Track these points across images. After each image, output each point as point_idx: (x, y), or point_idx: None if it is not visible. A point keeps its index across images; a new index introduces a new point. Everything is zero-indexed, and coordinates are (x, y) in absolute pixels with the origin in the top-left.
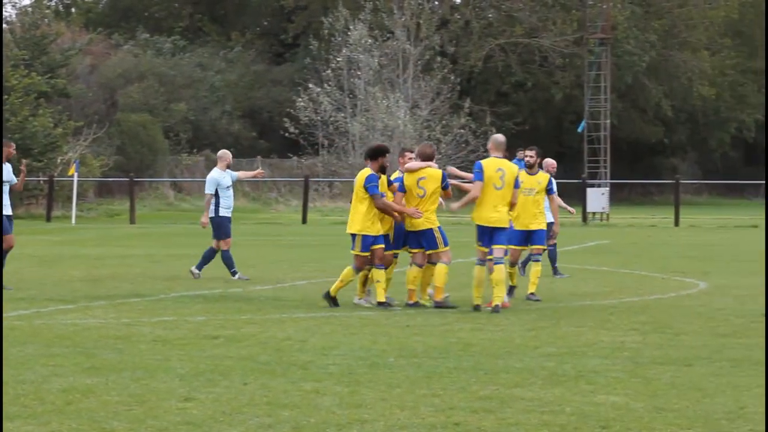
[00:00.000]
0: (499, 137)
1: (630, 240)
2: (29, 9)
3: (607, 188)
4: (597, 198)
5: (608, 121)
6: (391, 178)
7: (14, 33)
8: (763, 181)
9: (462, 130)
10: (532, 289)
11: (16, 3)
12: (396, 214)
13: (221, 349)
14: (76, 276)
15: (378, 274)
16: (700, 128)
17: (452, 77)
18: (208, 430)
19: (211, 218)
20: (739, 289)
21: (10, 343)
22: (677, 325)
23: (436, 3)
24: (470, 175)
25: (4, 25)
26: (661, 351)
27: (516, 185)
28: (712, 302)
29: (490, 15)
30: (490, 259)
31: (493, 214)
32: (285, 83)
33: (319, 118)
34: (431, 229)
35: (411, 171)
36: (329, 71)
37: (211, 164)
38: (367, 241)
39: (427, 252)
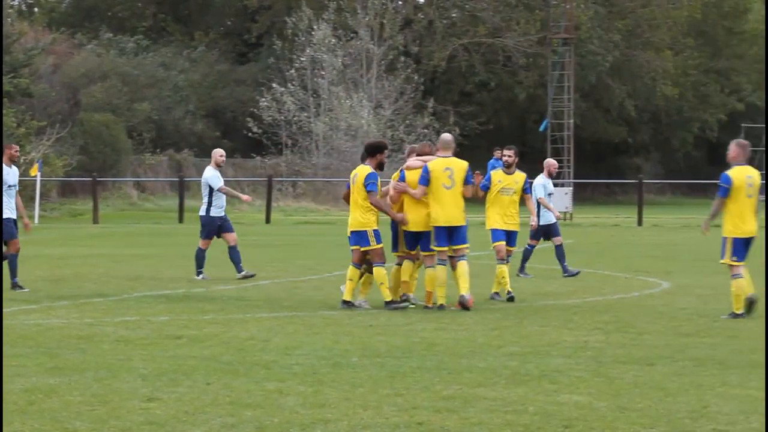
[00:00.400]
0: (446, 136)
1: (593, 239)
2: None
3: (571, 188)
4: (560, 198)
5: (572, 121)
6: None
7: None
8: None
9: (425, 130)
10: (496, 288)
11: None
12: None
13: (184, 349)
14: (39, 276)
15: (353, 273)
16: (663, 128)
17: (416, 77)
18: (171, 430)
19: (201, 216)
20: (701, 288)
21: None
22: (640, 325)
23: (400, 3)
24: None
25: None
26: (624, 350)
27: (467, 181)
28: (674, 302)
29: (453, 15)
30: (453, 257)
31: (448, 212)
32: (248, 83)
33: (282, 117)
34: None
35: (411, 169)
36: (293, 71)
37: (174, 164)
38: (378, 233)
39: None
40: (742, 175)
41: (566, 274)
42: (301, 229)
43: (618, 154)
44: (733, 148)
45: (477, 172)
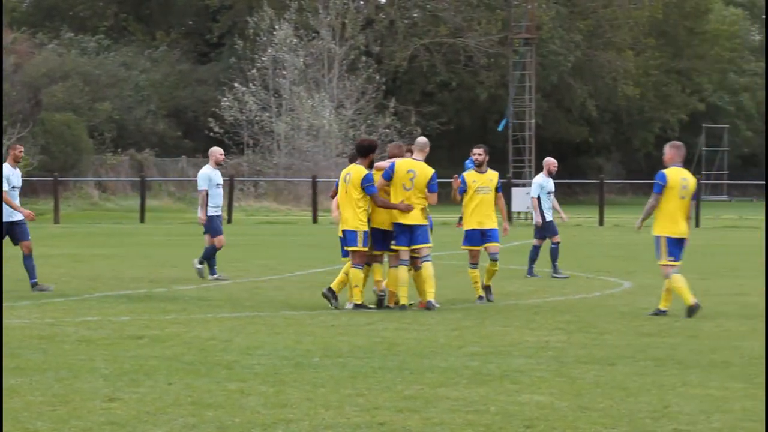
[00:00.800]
0: (421, 140)
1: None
2: None
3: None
4: (522, 198)
5: (533, 121)
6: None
7: None
8: None
9: (387, 130)
10: (487, 282)
11: None
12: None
13: (146, 349)
14: None
15: (355, 275)
16: (625, 128)
17: (377, 77)
18: (132, 430)
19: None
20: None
21: None
22: (601, 325)
23: (361, 3)
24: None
25: None
26: (585, 350)
27: (430, 188)
28: (636, 302)
29: (415, 15)
30: (415, 258)
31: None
32: (210, 83)
33: (244, 117)
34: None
35: (379, 169)
36: (254, 71)
37: (136, 164)
38: (366, 236)
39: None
40: (678, 176)
41: (555, 275)
42: (263, 229)
43: (579, 154)
44: (668, 150)
45: (456, 176)
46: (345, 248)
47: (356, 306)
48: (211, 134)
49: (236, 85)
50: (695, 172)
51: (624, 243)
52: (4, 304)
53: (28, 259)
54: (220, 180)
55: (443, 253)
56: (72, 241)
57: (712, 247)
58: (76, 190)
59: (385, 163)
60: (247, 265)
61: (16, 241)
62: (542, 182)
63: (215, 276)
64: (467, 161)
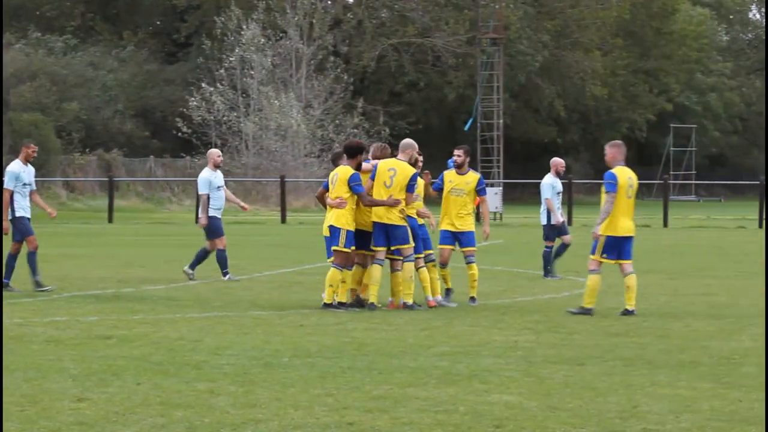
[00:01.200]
0: (405, 141)
1: (523, 239)
2: None
3: (500, 188)
4: (490, 198)
5: (501, 121)
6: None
7: None
8: (656, 181)
9: (355, 130)
10: (472, 293)
11: None
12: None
13: (114, 349)
14: None
15: (344, 275)
16: (593, 128)
17: (345, 77)
18: (101, 430)
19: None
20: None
21: None
22: (570, 325)
23: (329, 2)
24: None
25: None
26: (554, 350)
27: (409, 189)
28: (604, 301)
29: (382, 15)
30: (394, 260)
31: (382, 210)
32: (178, 83)
33: (212, 117)
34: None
35: (364, 172)
36: (222, 71)
37: (104, 164)
38: (350, 236)
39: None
40: (625, 176)
41: (547, 276)
42: (231, 229)
43: (547, 153)
44: (608, 150)
45: (426, 171)
46: (333, 249)
47: (325, 305)
48: (179, 134)
49: (204, 85)
50: (663, 173)
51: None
52: None
53: (32, 254)
54: (221, 182)
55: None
56: (40, 241)
57: (680, 247)
58: (43, 190)
59: (370, 165)
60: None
61: (20, 237)
62: (552, 182)
63: (228, 277)
64: (450, 161)
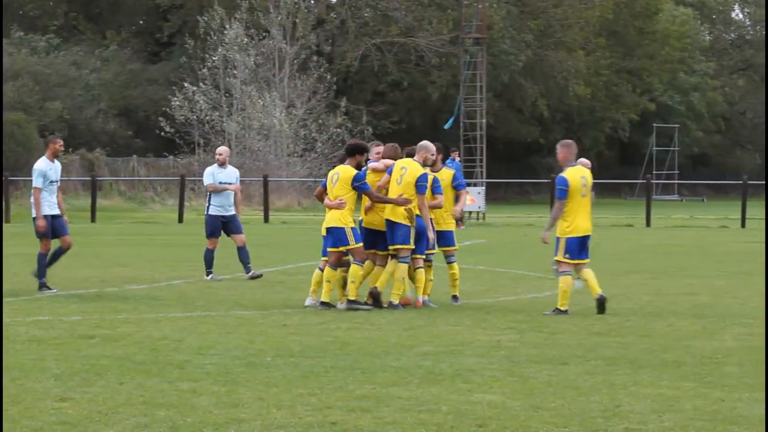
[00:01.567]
0: (420, 143)
1: (506, 239)
2: None
3: (483, 187)
4: (473, 197)
5: (484, 121)
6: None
7: None
8: (638, 180)
9: (338, 130)
10: (454, 292)
11: None
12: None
13: (97, 348)
14: None
15: (330, 274)
16: (576, 128)
17: (328, 76)
18: (83, 430)
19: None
20: (614, 288)
21: None
22: (553, 324)
23: (312, 2)
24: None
25: None
26: (537, 350)
27: (419, 189)
28: (587, 301)
29: (366, 14)
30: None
31: (390, 209)
32: (161, 82)
33: (194, 117)
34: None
35: (375, 171)
36: (205, 70)
37: (87, 163)
38: (356, 232)
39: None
40: (577, 176)
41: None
42: None
43: (530, 153)
44: (560, 150)
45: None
46: (328, 249)
47: (350, 302)
48: (162, 134)
49: (187, 84)
50: (646, 172)
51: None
52: None
53: (42, 256)
54: (223, 179)
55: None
56: (22, 240)
57: (663, 247)
58: (26, 190)
59: (380, 164)
60: (199, 264)
61: (54, 235)
62: None
63: (210, 277)
64: (447, 161)
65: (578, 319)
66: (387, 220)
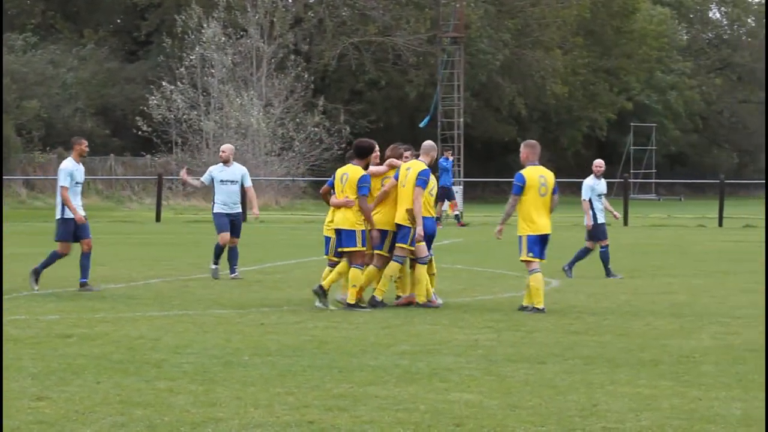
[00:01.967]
0: (426, 143)
1: (483, 238)
2: None
3: (461, 186)
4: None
5: (462, 120)
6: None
7: None
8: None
9: (316, 129)
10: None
11: None
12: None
13: (74, 347)
14: None
15: (355, 275)
16: (553, 127)
17: (306, 75)
18: (61, 429)
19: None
20: (591, 286)
21: None
22: (530, 323)
23: (290, 1)
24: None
25: None
26: (514, 348)
27: (416, 183)
28: (564, 300)
29: (343, 13)
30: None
31: (396, 211)
32: (138, 81)
33: (172, 116)
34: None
35: (375, 175)
36: (182, 69)
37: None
38: (364, 236)
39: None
40: (535, 175)
41: (567, 272)
42: (192, 228)
43: (508, 152)
44: (523, 150)
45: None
46: (339, 249)
47: (349, 305)
48: (140, 133)
49: (164, 83)
50: (623, 171)
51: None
52: None
53: (85, 257)
54: (225, 177)
55: None
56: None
57: (641, 246)
58: (3, 189)
59: (382, 168)
60: (176, 263)
61: (76, 239)
62: (592, 184)
63: (215, 271)
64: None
65: (555, 318)
66: (396, 224)
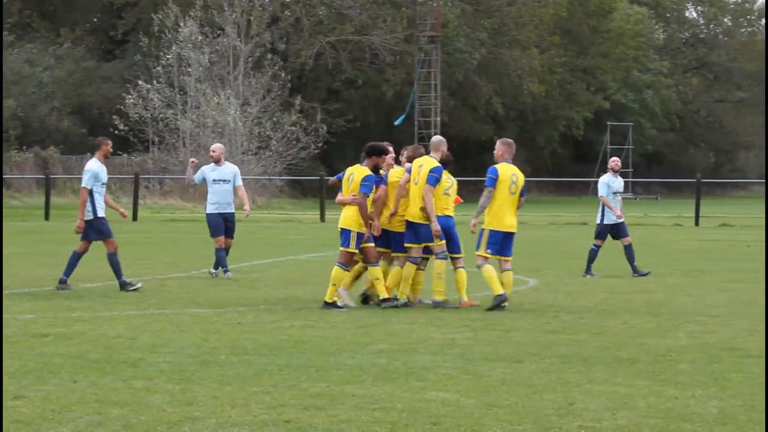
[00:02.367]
0: (434, 138)
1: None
2: None
3: None
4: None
5: (438, 119)
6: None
7: None
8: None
9: (293, 128)
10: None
11: None
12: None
13: (51, 346)
14: None
15: (375, 272)
16: (530, 126)
17: (283, 74)
18: (37, 428)
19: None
20: (568, 285)
21: None
22: (507, 322)
23: (267, 0)
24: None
25: None
26: (491, 347)
27: (427, 179)
28: (541, 299)
29: (320, 12)
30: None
31: (408, 208)
32: (115, 80)
33: (149, 115)
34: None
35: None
36: (159, 68)
37: (40, 161)
38: (362, 239)
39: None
40: (508, 172)
41: (636, 275)
42: (169, 227)
43: (485, 152)
44: (498, 147)
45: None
46: (343, 249)
47: (326, 304)
48: (116, 132)
49: (141, 82)
50: (600, 170)
51: (529, 240)
52: None
53: (113, 255)
54: (217, 176)
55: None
56: None
57: (617, 245)
58: None
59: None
60: (153, 262)
61: (101, 237)
62: (608, 181)
63: (214, 272)
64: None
65: (532, 317)
66: (406, 220)
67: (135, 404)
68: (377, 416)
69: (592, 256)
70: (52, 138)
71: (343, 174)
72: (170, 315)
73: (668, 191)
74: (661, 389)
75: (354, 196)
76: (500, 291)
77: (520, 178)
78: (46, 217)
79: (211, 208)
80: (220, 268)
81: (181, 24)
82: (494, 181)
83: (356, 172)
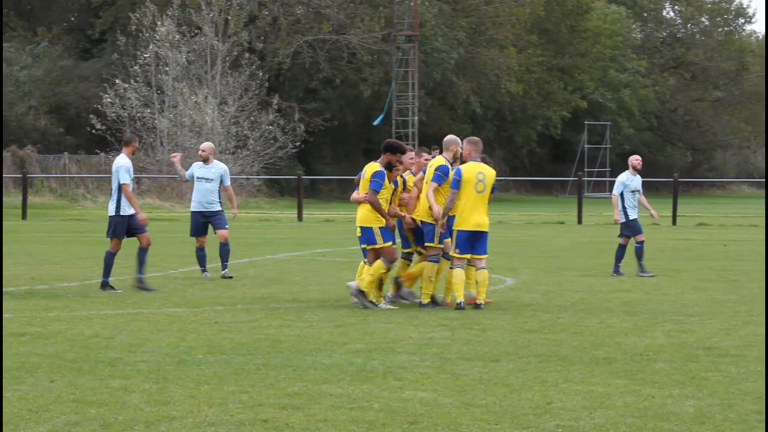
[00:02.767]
0: (447, 138)
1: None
2: None
3: None
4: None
5: (416, 118)
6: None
7: None
8: (570, 178)
9: (270, 127)
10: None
11: None
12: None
13: (27, 346)
14: None
15: (379, 269)
16: (508, 125)
17: (260, 73)
18: (14, 428)
19: None
20: (545, 285)
21: None
22: (485, 321)
23: None
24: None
25: None
26: (468, 347)
27: (433, 178)
28: (519, 298)
29: (298, 11)
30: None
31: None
32: (92, 79)
33: (126, 114)
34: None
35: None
36: (137, 67)
37: (18, 160)
38: (387, 232)
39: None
40: (474, 171)
41: (642, 275)
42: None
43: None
44: (465, 146)
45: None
46: (362, 246)
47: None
48: (93, 131)
49: (118, 81)
50: (578, 170)
51: (507, 239)
52: None
53: (111, 256)
54: (201, 174)
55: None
56: None
57: (594, 244)
58: None
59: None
60: (131, 261)
61: (130, 234)
62: (625, 180)
63: (204, 275)
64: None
65: (510, 316)
66: (421, 221)
67: (112, 404)
68: (355, 415)
69: (639, 254)
70: (29, 137)
71: (362, 172)
72: (147, 314)
73: (646, 190)
74: (639, 388)
75: (366, 193)
76: (461, 299)
77: (489, 175)
78: (23, 216)
79: (193, 206)
80: (227, 267)
81: (159, 23)
82: (457, 182)
83: (369, 169)
